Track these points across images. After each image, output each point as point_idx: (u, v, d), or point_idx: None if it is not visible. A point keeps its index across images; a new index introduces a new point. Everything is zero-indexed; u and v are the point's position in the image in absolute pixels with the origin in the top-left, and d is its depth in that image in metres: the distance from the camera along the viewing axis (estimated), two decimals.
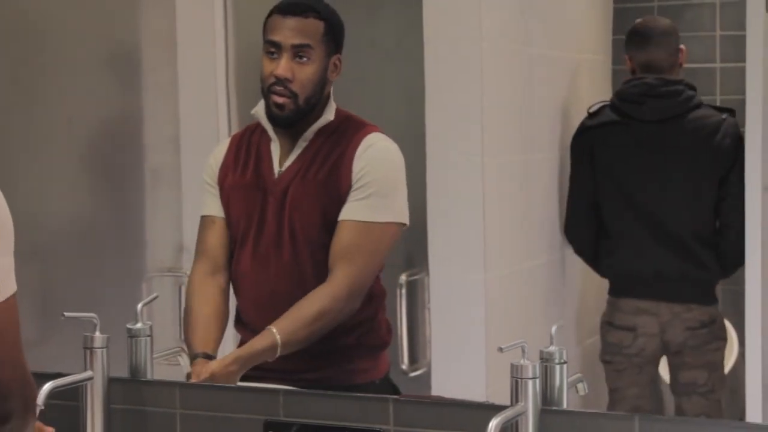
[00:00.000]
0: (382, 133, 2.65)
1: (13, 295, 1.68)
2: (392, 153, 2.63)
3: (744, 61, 2.86)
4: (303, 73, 2.57)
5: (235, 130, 3.01)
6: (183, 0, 3.36)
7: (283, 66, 2.56)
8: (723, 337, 3.34)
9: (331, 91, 2.65)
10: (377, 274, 2.64)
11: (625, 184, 3.39)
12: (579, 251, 3.42)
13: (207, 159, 2.76)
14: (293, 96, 2.58)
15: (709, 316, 3.35)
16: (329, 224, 2.59)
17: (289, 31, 2.57)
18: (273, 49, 2.58)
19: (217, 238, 2.69)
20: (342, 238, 2.57)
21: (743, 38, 2.86)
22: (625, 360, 3.40)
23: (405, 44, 3.16)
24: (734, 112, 3.26)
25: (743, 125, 2.92)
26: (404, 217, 2.63)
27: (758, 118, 2.84)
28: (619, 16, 3.54)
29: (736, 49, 3.07)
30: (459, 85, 3.01)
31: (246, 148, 2.68)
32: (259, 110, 2.66)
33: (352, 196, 2.57)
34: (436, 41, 3.01)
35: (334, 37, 2.60)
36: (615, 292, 3.42)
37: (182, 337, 2.99)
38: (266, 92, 2.60)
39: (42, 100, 3.43)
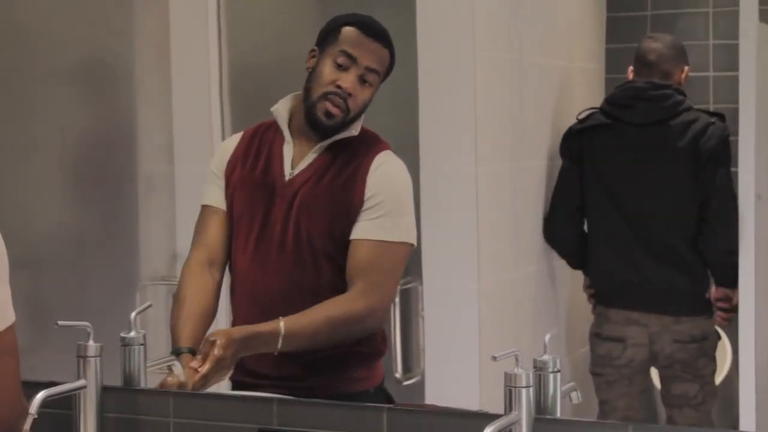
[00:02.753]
0: (393, 151, 2.66)
1: (10, 327, 1.67)
2: (404, 173, 2.65)
3: (737, 69, 2.87)
4: (362, 95, 2.59)
5: (229, 137, 3.01)
6: (176, 9, 3.36)
7: (351, 81, 2.57)
8: (712, 355, 3.32)
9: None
10: (394, 292, 2.65)
11: (612, 186, 3.38)
12: (563, 254, 3.42)
13: (218, 149, 2.76)
14: (346, 111, 2.59)
15: (700, 331, 3.33)
16: (334, 234, 2.59)
17: (370, 53, 2.59)
18: (344, 60, 2.59)
19: (216, 229, 2.68)
20: (358, 258, 2.57)
21: (736, 47, 2.87)
22: (615, 371, 3.38)
23: (398, 53, 3.15)
24: (724, 117, 3.26)
25: (736, 134, 2.93)
26: (414, 238, 2.64)
27: (751, 126, 2.85)
28: (612, 25, 3.55)
29: (729, 57, 3.08)
30: (452, 93, 3.02)
31: (258, 144, 2.68)
32: (280, 109, 2.66)
33: (366, 215, 2.58)
34: (429, 50, 3.02)
35: (390, 70, 2.65)
36: (603, 301, 3.41)
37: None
38: (319, 97, 2.60)
39: (35, 108, 3.43)
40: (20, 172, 3.41)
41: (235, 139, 2.73)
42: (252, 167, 2.65)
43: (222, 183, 2.68)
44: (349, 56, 2.58)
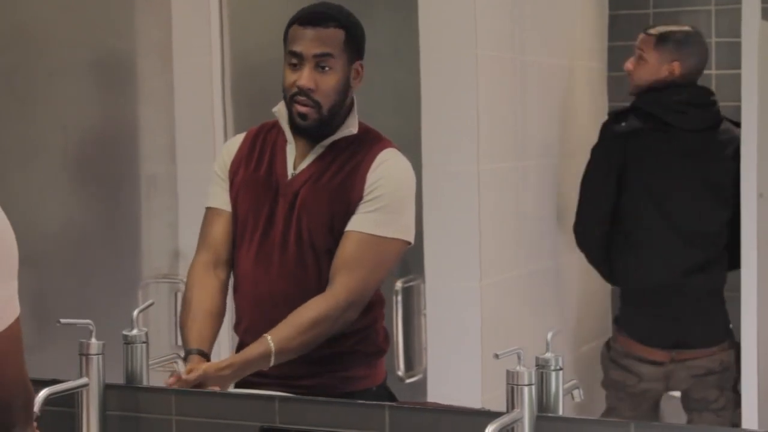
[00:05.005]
0: (397, 149, 2.65)
1: (17, 319, 1.70)
2: (406, 171, 2.64)
3: (739, 67, 2.87)
4: (325, 83, 2.58)
5: (231, 137, 3.01)
6: (179, 9, 3.36)
7: (306, 76, 2.57)
8: (730, 387, 3.26)
9: (355, 104, 2.65)
10: (377, 287, 2.63)
11: (659, 192, 3.32)
12: (593, 258, 3.38)
13: (221, 150, 2.77)
14: (317, 105, 2.58)
15: (719, 363, 3.29)
16: (336, 232, 2.59)
17: (311, 41, 2.58)
18: (295, 60, 2.59)
19: (221, 230, 2.69)
20: (346, 249, 2.57)
21: (738, 45, 2.87)
22: (627, 396, 3.36)
23: (401, 53, 3.16)
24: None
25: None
26: (410, 236, 2.63)
27: (753, 124, 2.85)
28: (615, 22, 3.54)
29: (732, 55, 3.07)
30: (454, 93, 3.02)
31: (261, 144, 2.68)
32: (281, 108, 2.66)
33: (362, 208, 2.58)
34: (431, 50, 3.02)
35: (354, 44, 2.61)
36: (623, 326, 3.37)
37: (178, 342, 2.99)
38: (289, 102, 2.61)
39: (37, 107, 3.43)
40: (23, 170, 3.41)
41: (238, 140, 2.74)
42: (256, 168, 2.66)
43: (226, 185, 2.68)
44: (295, 54, 2.58)
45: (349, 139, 2.62)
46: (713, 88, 3.41)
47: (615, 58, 3.48)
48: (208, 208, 2.72)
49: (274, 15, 3.42)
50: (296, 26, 2.60)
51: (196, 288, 2.67)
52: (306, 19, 2.60)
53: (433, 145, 3.03)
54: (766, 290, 2.90)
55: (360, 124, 2.64)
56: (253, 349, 2.53)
